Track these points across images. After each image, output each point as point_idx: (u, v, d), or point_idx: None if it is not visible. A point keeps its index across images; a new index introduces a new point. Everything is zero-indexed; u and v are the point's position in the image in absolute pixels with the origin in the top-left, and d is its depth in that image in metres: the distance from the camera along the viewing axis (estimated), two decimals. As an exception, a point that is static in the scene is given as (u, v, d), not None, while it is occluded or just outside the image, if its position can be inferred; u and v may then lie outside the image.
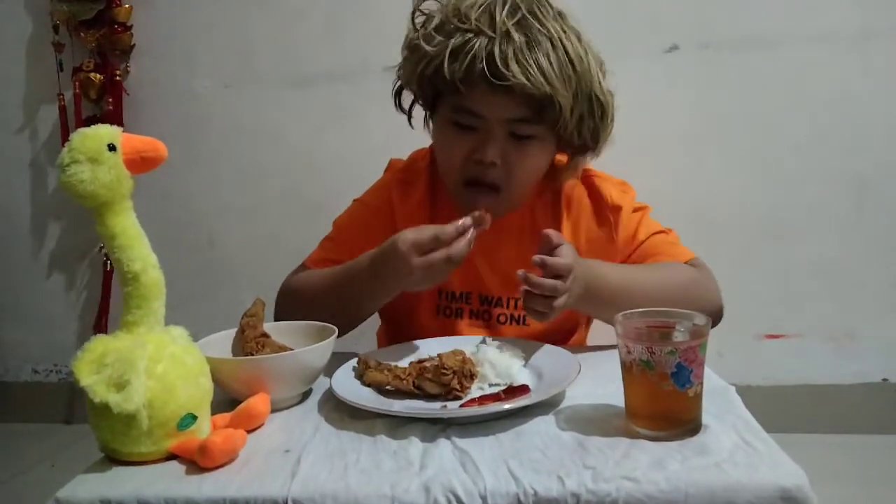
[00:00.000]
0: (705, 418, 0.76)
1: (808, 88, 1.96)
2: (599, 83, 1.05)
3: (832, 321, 2.03)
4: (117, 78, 2.21)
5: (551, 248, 0.93)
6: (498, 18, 0.99)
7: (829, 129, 1.97)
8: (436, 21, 1.05)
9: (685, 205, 1.94)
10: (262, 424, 0.84)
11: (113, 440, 0.75)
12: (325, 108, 2.14)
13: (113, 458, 0.76)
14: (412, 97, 1.15)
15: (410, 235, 0.95)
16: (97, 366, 0.73)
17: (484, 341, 1.00)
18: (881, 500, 1.65)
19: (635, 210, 1.15)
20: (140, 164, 0.77)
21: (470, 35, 1.00)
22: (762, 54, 1.96)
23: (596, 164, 1.18)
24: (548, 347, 0.98)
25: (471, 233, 0.96)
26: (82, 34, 2.21)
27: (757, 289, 1.95)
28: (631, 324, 0.78)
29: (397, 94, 1.15)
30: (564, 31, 1.02)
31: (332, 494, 0.68)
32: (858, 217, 1.99)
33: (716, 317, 1.09)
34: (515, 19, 1.00)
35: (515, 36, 0.98)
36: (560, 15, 1.06)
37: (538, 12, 1.02)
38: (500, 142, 1.04)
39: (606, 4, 1.99)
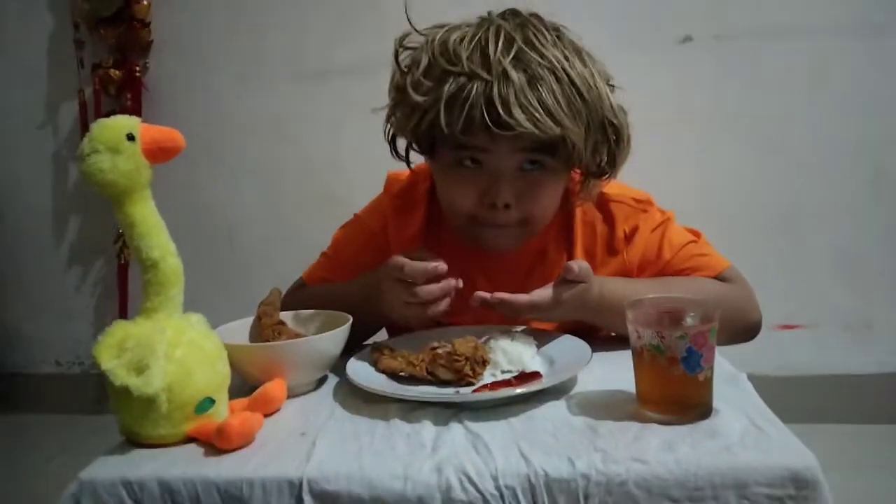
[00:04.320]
0: (716, 403, 0.77)
1: (821, 79, 1.96)
2: (611, 105, 0.95)
3: (848, 311, 2.02)
4: (136, 74, 2.24)
5: (562, 279, 0.91)
6: (493, 57, 0.89)
7: (843, 119, 1.97)
8: (423, 62, 0.95)
9: (699, 195, 1.94)
10: (279, 409, 0.86)
11: (133, 423, 0.76)
12: (341, 101, 2.16)
13: (133, 441, 0.78)
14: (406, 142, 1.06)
15: (393, 285, 0.92)
16: (117, 350, 0.75)
17: (497, 329, 1.01)
18: (898, 489, 1.65)
19: (655, 228, 1.07)
20: (158, 154, 0.78)
21: (463, 80, 0.90)
22: (776, 45, 1.96)
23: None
24: (560, 335, 0.98)
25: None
26: (102, 31, 2.25)
27: (771, 279, 1.95)
28: (641, 309, 0.78)
29: (392, 142, 1.05)
30: (567, 58, 0.92)
31: (347, 475, 0.69)
32: (874, 206, 1.98)
33: (752, 331, 1.05)
34: (512, 54, 0.90)
35: (514, 75, 0.88)
36: (558, 35, 0.95)
37: (535, 41, 0.92)
38: (512, 181, 0.95)
39: (621, -4, 2.00)
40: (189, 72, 2.28)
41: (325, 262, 1.20)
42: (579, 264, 0.91)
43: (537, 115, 0.88)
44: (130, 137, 0.76)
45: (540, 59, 0.90)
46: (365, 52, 2.06)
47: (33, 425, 2.39)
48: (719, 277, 1.05)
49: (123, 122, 0.77)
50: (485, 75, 0.89)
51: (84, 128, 2.27)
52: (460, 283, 0.93)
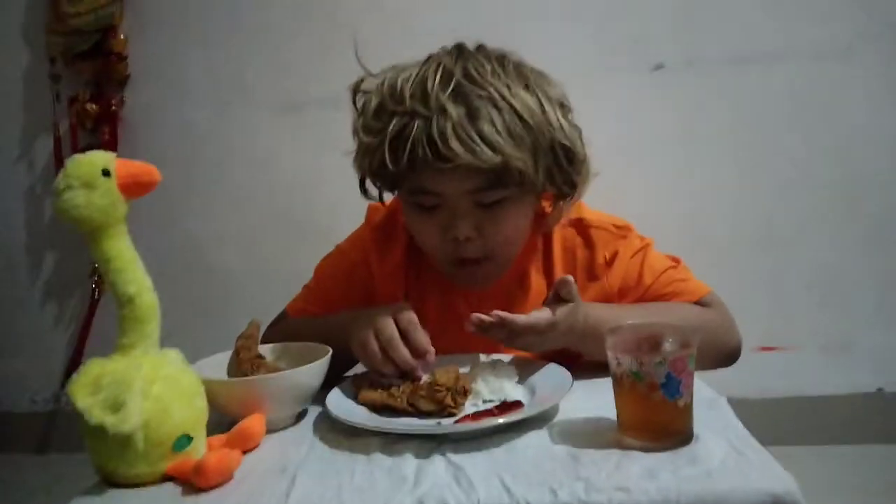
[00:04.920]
0: (697, 428, 0.77)
1: (794, 102, 2.00)
2: (561, 127, 0.96)
3: (826, 332, 2.04)
4: (113, 108, 2.24)
5: (553, 297, 0.92)
6: (431, 93, 0.92)
7: (816, 142, 2.00)
8: (373, 104, 0.98)
9: (676, 219, 1.96)
10: (258, 445, 0.85)
11: (109, 462, 0.75)
12: (318, 133, 2.17)
13: (109, 481, 0.77)
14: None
15: (385, 322, 0.91)
16: (93, 388, 0.73)
17: (477, 358, 1.00)
18: (879, 510, 1.65)
19: (635, 253, 1.08)
20: (134, 189, 0.78)
21: (406, 118, 0.93)
22: (747, 70, 2.00)
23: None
24: (540, 363, 0.98)
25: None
26: (78, 65, 2.24)
27: (750, 301, 1.97)
28: (620, 336, 0.79)
29: (362, 183, 1.06)
30: (508, 86, 0.94)
31: (327, 511, 0.68)
32: (849, 227, 2.01)
33: (733, 356, 1.06)
34: (450, 89, 0.92)
35: (451, 109, 0.90)
36: (501, 64, 0.97)
37: (474, 73, 0.94)
38: (469, 214, 0.96)
39: (592, 24, 2.03)
40: (167, 105, 2.28)
41: (307, 294, 1.19)
42: (571, 278, 0.91)
43: (475, 145, 0.89)
44: (105, 173, 0.76)
45: (479, 91, 0.92)
46: (343, 83, 2.06)
47: (7, 464, 2.34)
48: (699, 303, 1.06)
49: (98, 158, 0.77)
50: (424, 112, 0.92)
51: (59, 162, 2.25)
52: (423, 378, 0.91)
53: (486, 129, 0.90)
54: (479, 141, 0.90)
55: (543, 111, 0.95)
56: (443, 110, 0.91)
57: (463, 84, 0.93)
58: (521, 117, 0.93)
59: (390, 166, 0.94)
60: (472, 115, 0.91)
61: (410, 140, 0.92)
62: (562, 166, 0.98)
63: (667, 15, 2.01)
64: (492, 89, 0.93)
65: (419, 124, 0.91)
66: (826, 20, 1.97)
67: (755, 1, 1.98)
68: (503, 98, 0.92)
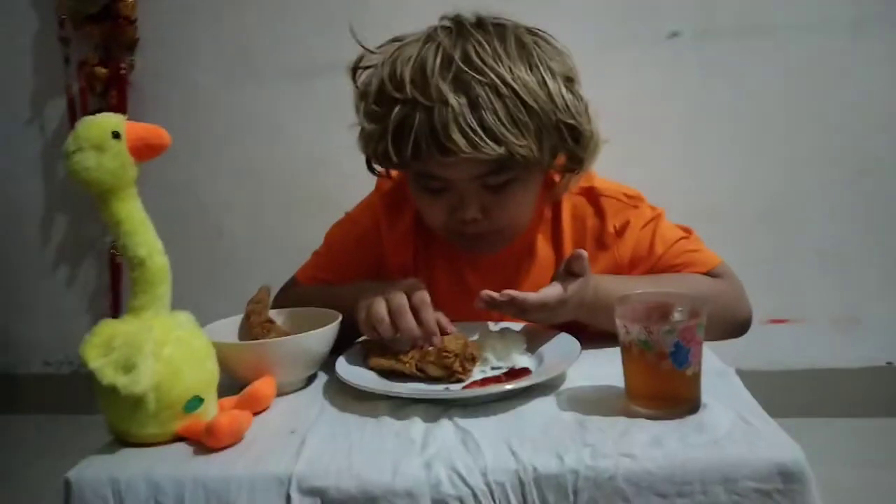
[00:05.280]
0: (705, 398, 0.77)
1: (806, 76, 1.98)
2: (566, 106, 0.93)
3: (835, 305, 2.04)
4: (122, 72, 2.23)
5: (564, 272, 0.91)
6: (431, 81, 0.90)
7: (827, 116, 1.98)
8: (374, 87, 0.96)
9: (685, 192, 1.95)
10: (268, 407, 0.86)
11: (121, 422, 0.76)
12: (329, 99, 2.14)
13: (122, 440, 0.78)
14: None
15: (398, 295, 0.90)
16: (105, 349, 0.74)
17: (486, 326, 1.01)
18: (886, 482, 1.66)
19: (647, 223, 1.07)
20: (144, 152, 0.78)
21: (407, 108, 0.90)
22: (762, 41, 1.97)
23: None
24: (549, 332, 0.98)
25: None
26: (88, 28, 2.23)
27: (760, 274, 1.96)
28: (629, 305, 0.79)
29: (368, 162, 1.06)
30: (511, 68, 0.90)
31: (336, 472, 0.69)
32: (860, 201, 2.00)
33: (743, 327, 1.06)
34: (450, 76, 0.89)
35: (452, 99, 0.88)
36: (502, 40, 0.93)
37: (474, 55, 0.91)
38: (476, 198, 0.96)
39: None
40: (176, 69, 2.27)
41: (317, 260, 1.20)
42: (584, 253, 0.90)
43: (477, 138, 0.88)
44: (116, 135, 0.76)
45: (480, 77, 0.89)
46: (354, 48, 2.05)
47: (22, 426, 2.38)
48: (710, 273, 1.05)
49: (108, 120, 0.77)
50: (424, 102, 0.89)
51: (72, 125, 2.24)
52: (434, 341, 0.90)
53: (489, 119, 0.88)
54: (481, 133, 0.88)
55: (548, 91, 0.92)
56: (444, 101, 0.88)
57: (463, 70, 0.90)
58: (524, 102, 0.90)
59: (394, 157, 0.93)
60: (474, 105, 0.88)
61: (413, 132, 0.90)
62: (567, 144, 0.97)
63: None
64: (493, 74, 0.89)
65: (420, 116, 0.89)
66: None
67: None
68: (505, 83, 0.89)
